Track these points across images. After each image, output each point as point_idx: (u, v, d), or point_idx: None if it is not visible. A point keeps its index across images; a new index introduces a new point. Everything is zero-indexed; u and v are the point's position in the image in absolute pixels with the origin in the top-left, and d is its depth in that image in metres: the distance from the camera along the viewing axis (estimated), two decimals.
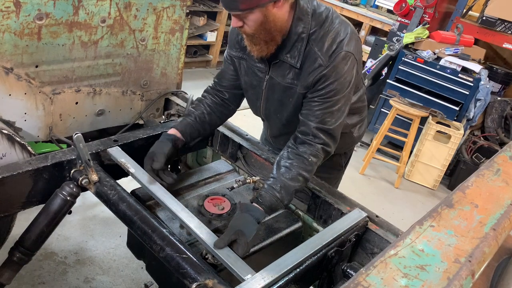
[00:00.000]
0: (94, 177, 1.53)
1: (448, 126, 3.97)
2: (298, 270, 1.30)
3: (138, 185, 1.60)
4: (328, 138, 1.51)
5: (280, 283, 1.24)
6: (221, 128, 2.05)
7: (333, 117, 1.50)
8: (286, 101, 1.62)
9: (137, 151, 1.73)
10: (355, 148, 4.30)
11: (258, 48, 1.49)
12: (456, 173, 4.19)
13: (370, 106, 4.50)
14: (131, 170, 1.58)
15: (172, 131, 1.67)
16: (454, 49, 4.14)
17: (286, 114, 1.65)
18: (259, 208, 1.41)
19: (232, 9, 1.38)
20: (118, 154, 1.65)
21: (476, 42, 4.38)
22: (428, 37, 4.26)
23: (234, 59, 1.68)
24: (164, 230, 1.36)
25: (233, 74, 1.73)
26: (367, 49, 5.42)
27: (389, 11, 5.65)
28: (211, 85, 1.81)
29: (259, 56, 1.52)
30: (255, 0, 1.35)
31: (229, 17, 1.52)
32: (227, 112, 1.81)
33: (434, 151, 4.00)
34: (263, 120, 1.86)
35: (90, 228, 2.63)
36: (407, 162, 4.10)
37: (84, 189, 1.56)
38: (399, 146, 4.26)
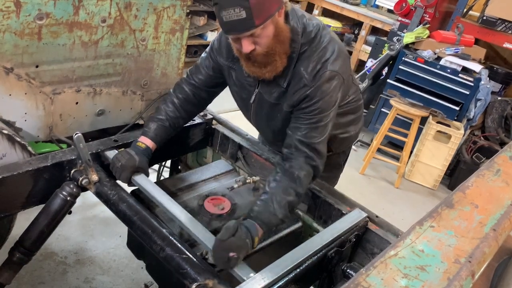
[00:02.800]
0: (94, 177, 1.53)
1: (449, 126, 3.97)
2: (298, 270, 1.30)
3: None
4: (311, 152, 1.47)
5: (280, 283, 1.24)
6: (221, 128, 2.05)
7: (317, 132, 1.48)
8: (274, 116, 1.62)
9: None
10: (355, 148, 4.37)
11: (271, 67, 1.44)
12: (456, 173, 4.19)
13: (370, 106, 4.50)
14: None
15: (147, 143, 1.63)
16: (455, 49, 4.13)
17: (275, 127, 1.66)
18: (254, 225, 1.35)
19: (247, 28, 1.30)
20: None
21: (477, 42, 4.38)
22: (428, 37, 4.25)
23: (222, 65, 1.65)
24: (164, 230, 1.36)
25: (213, 75, 1.70)
26: (367, 49, 5.43)
27: (389, 10, 5.65)
28: (185, 78, 1.77)
29: (271, 77, 1.47)
30: (268, 10, 1.30)
31: None
32: (198, 109, 1.83)
33: (434, 151, 4.00)
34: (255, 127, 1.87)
35: (90, 228, 2.63)
36: (407, 162, 4.10)
37: (84, 189, 1.56)
38: (399, 146, 4.26)
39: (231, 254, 1.24)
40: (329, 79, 1.46)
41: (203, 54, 1.73)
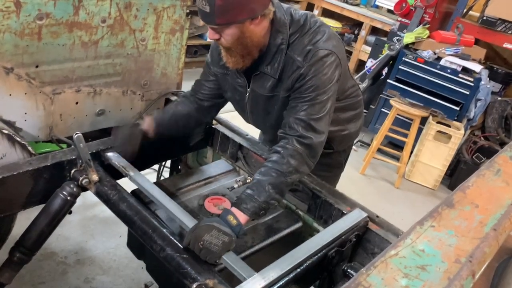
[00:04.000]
0: (95, 177, 1.53)
1: (449, 126, 3.97)
2: (298, 270, 1.30)
3: None
4: (304, 129, 1.43)
5: (281, 283, 1.24)
6: (221, 128, 2.05)
7: (313, 110, 1.45)
8: (271, 109, 1.62)
9: (137, 151, 1.72)
10: (355, 148, 4.36)
11: (234, 60, 1.49)
12: (456, 173, 4.19)
13: (371, 106, 4.50)
14: (129, 173, 1.58)
15: (149, 119, 1.71)
16: (455, 49, 4.13)
17: (274, 120, 1.65)
18: (230, 211, 1.34)
19: (208, 22, 1.38)
20: (115, 158, 1.65)
21: (477, 42, 4.37)
22: (428, 37, 4.25)
23: (217, 75, 1.69)
24: (165, 230, 1.36)
25: (213, 87, 1.73)
26: (367, 49, 5.43)
27: (389, 11, 5.65)
28: (190, 92, 1.80)
29: (234, 68, 1.53)
30: (232, 17, 1.35)
31: None
32: (204, 118, 1.85)
33: (435, 151, 4.00)
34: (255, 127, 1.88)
35: (90, 228, 2.63)
36: (407, 162, 4.10)
37: (84, 189, 1.56)
38: (399, 146, 4.26)
39: (199, 244, 1.23)
40: (322, 57, 1.45)
41: (202, 70, 1.77)
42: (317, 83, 1.45)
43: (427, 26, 4.29)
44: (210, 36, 1.45)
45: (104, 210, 2.62)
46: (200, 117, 1.80)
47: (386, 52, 4.32)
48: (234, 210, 1.35)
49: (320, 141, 1.47)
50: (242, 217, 1.33)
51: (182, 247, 1.30)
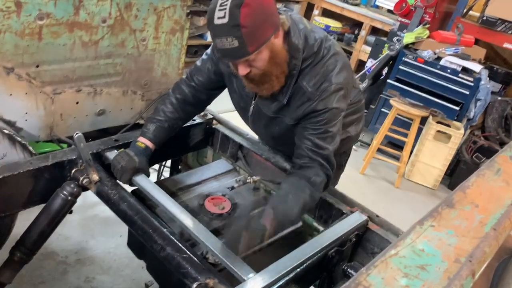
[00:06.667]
0: (95, 176, 1.53)
1: (449, 126, 3.97)
2: (298, 270, 1.30)
3: None
4: (324, 161, 1.49)
5: (281, 283, 1.24)
6: (221, 128, 2.05)
7: (326, 142, 1.49)
8: (273, 128, 1.62)
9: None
10: (355, 148, 4.36)
11: (268, 86, 1.44)
12: (456, 173, 4.19)
13: (371, 106, 4.50)
14: None
15: (147, 143, 1.64)
16: (455, 49, 4.13)
17: (275, 134, 1.66)
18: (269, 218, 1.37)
19: (240, 56, 1.31)
20: None
21: (477, 42, 4.37)
22: (428, 37, 4.25)
23: (223, 71, 1.64)
24: (165, 230, 1.36)
25: (214, 78, 1.69)
26: (367, 49, 5.43)
27: (389, 11, 5.65)
28: (184, 79, 1.76)
29: (269, 94, 1.48)
30: (261, 38, 1.29)
31: None
32: (197, 111, 1.84)
33: (435, 151, 4.00)
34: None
35: (91, 228, 2.63)
36: (407, 162, 4.10)
37: (85, 188, 1.56)
38: (399, 146, 4.26)
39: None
40: (333, 92, 1.46)
41: (204, 56, 1.72)
42: (329, 117, 1.47)
43: (427, 26, 4.29)
44: (242, 72, 1.37)
45: (105, 210, 2.61)
46: (193, 110, 1.79)
47: (386, 52, 4.32)
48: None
49: (333, 170, 1.54)
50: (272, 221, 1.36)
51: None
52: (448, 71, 4.01)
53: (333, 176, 2.01)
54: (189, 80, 1.74)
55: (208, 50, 1.70)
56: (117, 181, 1.59)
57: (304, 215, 1.72)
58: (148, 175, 1.60)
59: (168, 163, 2.39)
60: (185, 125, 1.82)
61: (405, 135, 4.01)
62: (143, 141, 1.64)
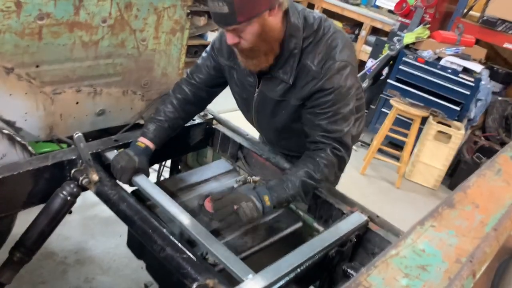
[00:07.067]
0: (95, 177, 1.53)
1: (449, 126, 3.97)
2: (298, 270, 1.30)
3: None
4: (336, 143, 1.48)
5: (281, 283, 1.24)
6: (221, 128, 2.05)
7: (337, 125, 1.48)
8: (279, 112, 1.61)
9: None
10: (355, 148, 4.36)
11: (256, 62, 1.44)
12: (457, 173, 4.19)
13: (371, 106, 4.50)
14: None
15: (147, 143, 1.63)
16: (455, 49, 4.13)
17: (279, 124, 1.64)
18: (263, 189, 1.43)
19: (229, 23, 1.31)
20: None
21: (477, 42, 4.37)
22: (428, 37, 4.25)
23: (223, 65, 1.65)
24: (165, 230, 1.36)
25: (214, 74, 1.70)
26: (367, 49, 5.42)
27: (389, 11, 5.64)
28: (184, 78, 1.77)
29: (256, 70, 1.49)
30: (252, 10, 1.29)
31: None
32: (198, 110, 1.83)
33: (435, 151, 4.00)
34: (256, 128, 1.86)
35: (90, 228, 2.63)
36: (407, 162, 4.09)
37: (84, 188, 1.56)
38: (399, 146, 4.26)
39: (235, 206, 1.34)
40: (339, 70, 1.44)
41: (204, 54, 1.73)
42: (337, 98, 1.46)
43: (427, 26, 4.29)
44: (229, 41, 1.38)
45: (104, 210, 2.60)
46: (195, 109, 1.79)
47: (386, 52, 4.32)
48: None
49: (348, 155, 1.53)
50: (267, 202, 1.40)
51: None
52: (449, 71, 4.01)
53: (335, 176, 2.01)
54: (189, 79, 1.75)
55: (208, 48, 1.71)
56: (117, 181, 1.59)
57: (301, 214, 1.72)
58: (147, 175, 1.60)
59: (168, 163, 2.39)
60: (185, 125, 1.82)
61: (406, 135, 4.01)
62: (143, 141, 1.64)
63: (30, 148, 1.60)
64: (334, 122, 1.47)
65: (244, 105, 1.72)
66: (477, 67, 4.00)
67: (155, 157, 1.69)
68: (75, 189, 1.52)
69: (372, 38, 5.35)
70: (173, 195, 1.64)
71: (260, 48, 1.41)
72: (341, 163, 1.52)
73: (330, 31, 1.48)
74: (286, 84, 1.50)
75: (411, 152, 4.09)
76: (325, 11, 6.12)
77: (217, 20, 1.34)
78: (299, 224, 1.65)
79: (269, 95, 1.57)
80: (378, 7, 5.91)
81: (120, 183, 1.58)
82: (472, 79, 3.92)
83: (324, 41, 1.46)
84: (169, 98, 1.74)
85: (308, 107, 1.50)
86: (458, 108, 4.01)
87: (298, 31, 1.44)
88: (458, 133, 3.87)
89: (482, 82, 3.92)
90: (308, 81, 1.46)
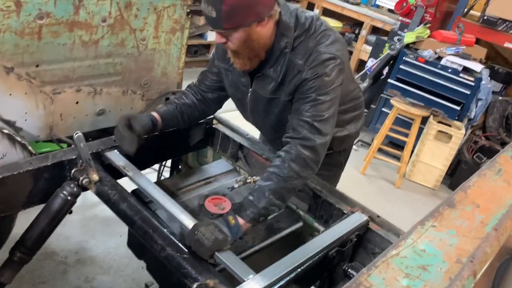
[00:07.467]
0: (95, 176, 1.53)
1: (449, 125, 3.97)
2: (298, 270, 1.30)
3: None
4: (309, 131, 1.41)
5: (281, 283, 1.24)
6: (221, 128, 2.05)
7: (316, 110, 1.43)
8: (271, 111, 1.62)
9: (137, 151, 1.72)
10: (356, 148, 4.36)
11: (241, 62, 1.49)
12: (457, 173, 4.18)
13: (371, 105, 4.49)
14: (129, 173, 1.58)
15: (154, 114, 1.70)
16: (455, 49, 4.13)
17: (274, 121, 1.66)
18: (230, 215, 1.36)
19: (215, 27, 1.38)
20: (116, 157, 1.65)
21: (477, 41, 4.37)
22: (429, 36, 4.24)
23: (221, 69, 1.70)
24: (165, 230, 1.36)
25: (216, 79, 1.75)
26: (368, 48, 5.42)
27: (390, 10, 5.64)
28: (194, 83, 1.83)
29: (241, 70, 1.53)
30: (239, 21, 1.34)
31: None
32: (208, 110, 1.84)
33: (435, 151, 4.00)
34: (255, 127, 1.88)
35: (91, 228, 2.63)
36: (408, 162, 4.09)
37: (84, 188, 1.56)
38: (400, 146, 4.25)
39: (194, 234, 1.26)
40: (324, 61, 1.43)
41: (210, 61, 1.81)
42: (319, 84, 1.43)
43: (427, 25, 4.28)
44: (217, 40, 1.44)
45: (105, 210, 2.60)
46: (204, 108, 1.81)
47: (386, 51, 4.31)
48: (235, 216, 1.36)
49: (323, 143, 1.44)
50: (242, 223, 1.35)
51: (179, 242, 1.32)
52: (449, 70, 4.00)
53: (334, 174, 2.01)
54: (198, 83, 1.81)
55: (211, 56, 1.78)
56: (117, 180, 1.59)
57: (301, 214, 1.72)
58: (140, 122, 1.61)
59: (168, 163, 2.39)
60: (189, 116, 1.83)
61: (406, 135, 4.00)
62: (151, 113, 1.71)
63: (30, 148, 1.60)
64: (314, 107, 1.43)
65: (240, 106, 1.75)
66: (477, 66, 3.99)
67: (155, 157, 1.69)
68: (75, 189, 1.52)
69: (373, 38, 5.35)
70: (173, 195, 1.64)
71: (244, 54, 1.46)
72: (314, 153, 1.42)
73: (320, 29, 1.49)
74: (276, 82, 1.52)
75: (412, 152, 4.09)
76: (325, 10, 6.12)
77: (207, 21, 1.40)
78: (300, 224, 1.65)
79: (261, 93, 1.59)
80: (378, 6, 5.91)
81: (120, 182, 1.58)
82: (473, 79, 3.92)
83: (313, 38, 1.47)
84: (183, 96, 1.79)
85: (295, 99, 1.51)
86: (458, 108, 4.01)
87: (290, 31, 1.46)
88: (459, 133, 3.87)
89: (483, 82, 3.91)
90: (294, 75, 1.47)
